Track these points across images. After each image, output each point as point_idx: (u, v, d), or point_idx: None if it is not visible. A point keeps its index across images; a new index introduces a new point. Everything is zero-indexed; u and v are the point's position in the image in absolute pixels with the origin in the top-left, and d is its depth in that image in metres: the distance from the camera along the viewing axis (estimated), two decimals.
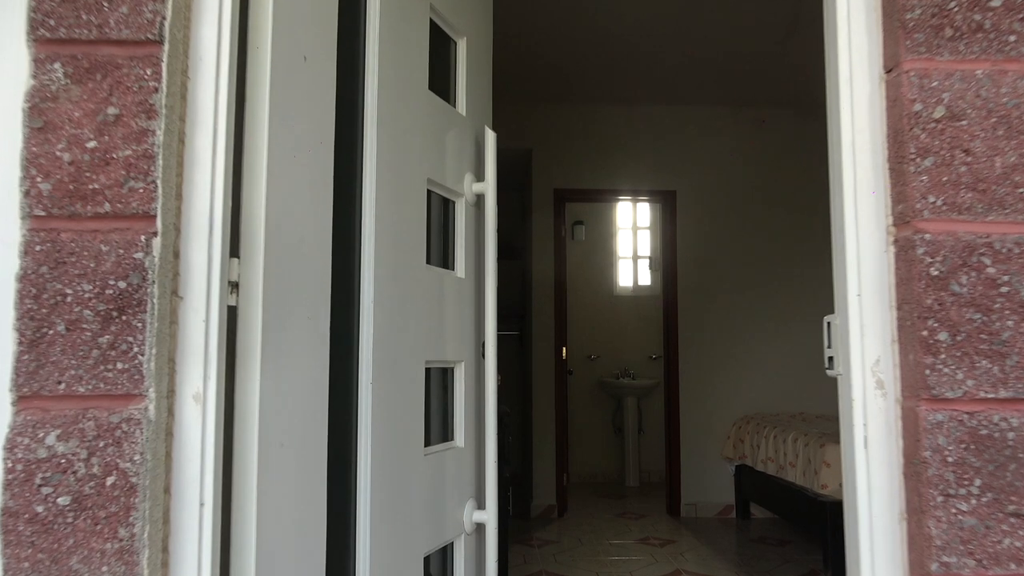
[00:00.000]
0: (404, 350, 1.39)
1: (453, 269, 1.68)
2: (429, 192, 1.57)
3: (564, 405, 5.11)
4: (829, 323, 1.09)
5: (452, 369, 1.66)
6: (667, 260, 5.17)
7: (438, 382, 1.66)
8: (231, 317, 1.02)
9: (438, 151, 1.57)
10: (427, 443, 1.53)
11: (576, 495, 5.69)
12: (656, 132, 5.20)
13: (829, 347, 1.09)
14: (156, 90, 0.94)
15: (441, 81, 1.67)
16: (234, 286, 1.03)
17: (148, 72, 0.94)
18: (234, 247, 1.03)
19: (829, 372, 1.09)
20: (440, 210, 1.68)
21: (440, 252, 1.68)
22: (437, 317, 1.54)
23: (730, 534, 4.57)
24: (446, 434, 1.65)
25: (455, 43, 1.72)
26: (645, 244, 6.77)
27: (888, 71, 1.01)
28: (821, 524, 3.72)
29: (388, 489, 1.32)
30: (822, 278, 5.13)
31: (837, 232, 1.05)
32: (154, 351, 0.91)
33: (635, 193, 5.24)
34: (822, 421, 4.59)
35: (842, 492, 3.15)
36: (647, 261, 6.74)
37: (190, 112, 0.99)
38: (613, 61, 4.55)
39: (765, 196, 5.18)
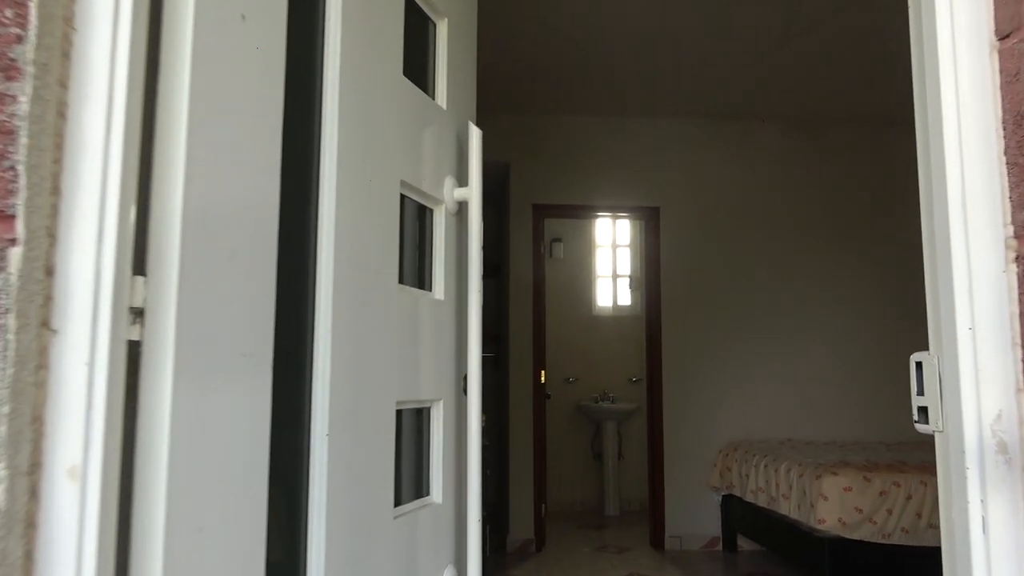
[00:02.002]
0: (370, 391, 1.12)
1: (431, 289, 1.42)
2: (403, 197, 1.31)
3: (543, 431, 4.85)
4: (920, 364, 0.85)
5: (428, 409, 1.39)
6: (650, 279, 4.95)
7: (411, 425, 1.39)
8: (132, 357, 0.75)
9: (414, 149, 1.31)
10: (398, 501, 1.26)
11: (554, 526, 5.40)
12: (639, 146, 5.01)
13: (920, 394, 0.85)
14: (20, 39, 0.67)
15: (418, 69, 1.42)
16: (138, 314, 0.76)
17: (8, 14, 0.67)
18: (139, 261, 0.76)
19: (922, 428, 0.85)
20: (415, 219, 1.42)
21: (415, 269, 1.42)
22: (411, 347, 1.28)
23: (718, 569, 4.33)
24: (420, 488, 1.37)
25: (434, 24, 1.47)
26: (624, 262, 6.57)
27: (1003, 37, 0.78)
28: (818, 560, 3.49)
29: (348, 570, 1.04)
30: (814, 298, 4.95)
31: (938, 247, 0.81)
32: (6, 408, 0.64)
33: (618, 209, 5.03)
34: (813, 449, 4.39)
35: (841, 527, 2.92)
36: (627, 280, 6.53)
37: (76, 76, 0.72)
38: (594, 72, 4.35)
39: (752, 213, 5.00)
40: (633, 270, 6.50)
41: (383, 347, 1.17)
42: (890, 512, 3.39)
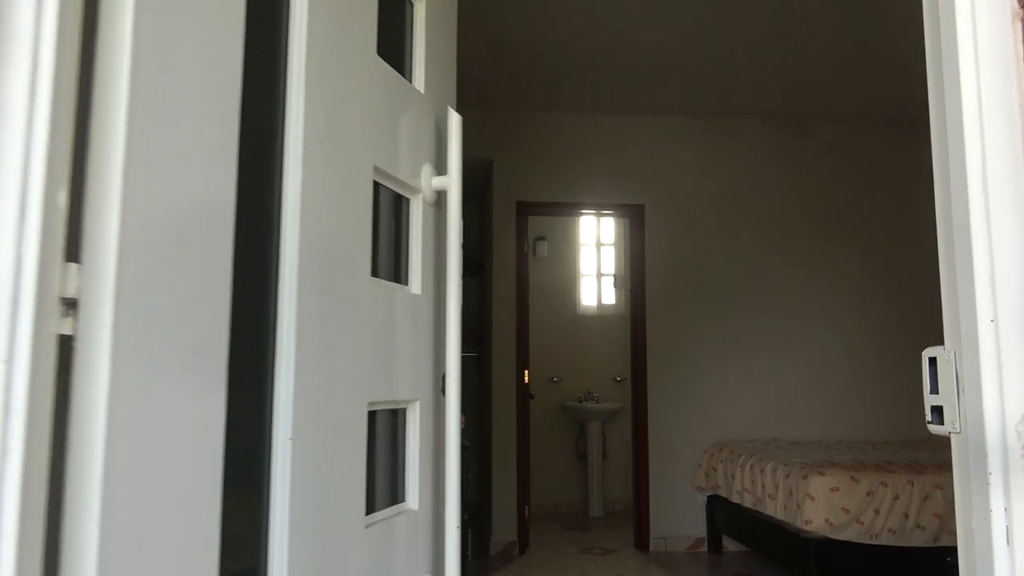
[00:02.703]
0: (339, 391, 1.04)
1: (407, 284, 1.34)
2: (377, 185, 1.23)
3: (526, 432, 4.77)
4: (933, 359, 0.78)
5: (404, 410, 1.31)
6: (635, 278, 4.89)
7: (386, 427, 1.31)
8: (64, 353, 0.67)
9: (389, 134, 1.24)
10: (370, 509, 1.18)
11: (538, 528, 5.33)
12: (624, 143, 4.95)
13: (934, 392, 0.78)
14: None
15: (394, 51, 1.34)
16: (70, 305, 0.67)
17: None
18: (72, 246, 0.68)
19: (936, 429, 0.78)
20: (391, 209, 1.34)
21: (391, 262, 1.34)
22: (385, 345, 1.20)
23: (704, 571, 4.28)
24: (396, 494, 1.30)
25: (412, 5, 1.39)
26: (609, 261, 6.51)
27: None
28: (804, 561, 3.45)
29: None
30: (800, 296, 4.92)
31: (956, 234, 0.74)
32: None
33: (602, 207, 4.97)
34: (799, 448, 4.35)
35: (828, 528, 2.88)
36: (611, 279, 6.48)
37: None
38: (579, 67, 4.28)
39: (737, 211, 4.96)
40: (617, 269, 6.45)
41: (354, 344, 1.09)
42: (877, 512, 3.36)
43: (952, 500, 2.72)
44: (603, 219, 6.49)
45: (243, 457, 0.89)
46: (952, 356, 0.75)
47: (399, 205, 1.35)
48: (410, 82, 1.36)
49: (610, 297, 6.45)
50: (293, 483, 0.93)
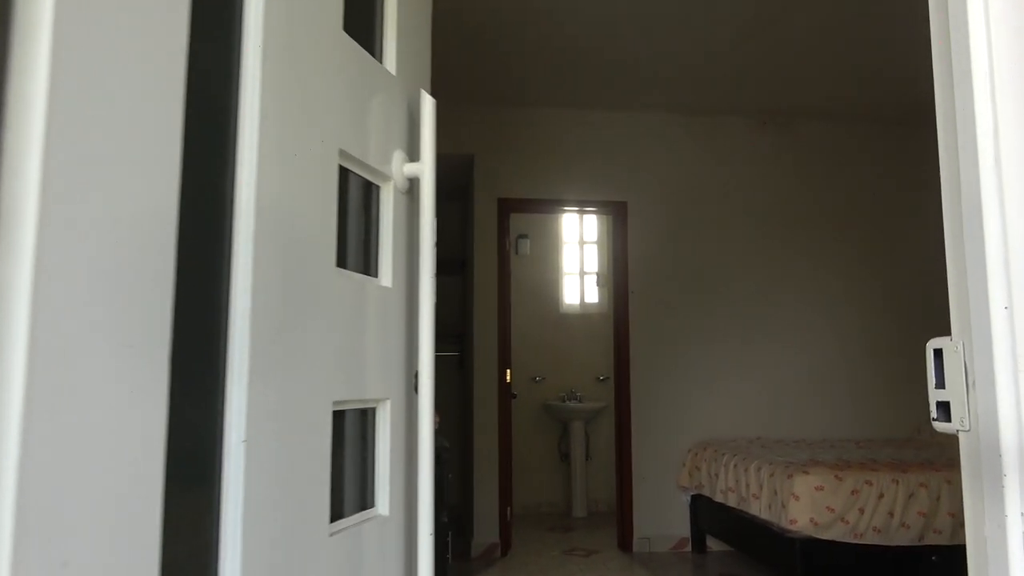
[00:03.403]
0: (300, 390, 0.97)
1: (377, 276, 1.27)
2: (344, 172, 1.16)
3: (508, 432, 4.71)
4: (939, 351, 0.72)
5: (374, 409, 1.24)
6: (618, 276, 4.84)
7: (355, 428, 1.24)
8: None
9: (357, 117, 1.16)
10: (336, 515, 1.10)
11: (520, 529, 5.27)
12: (606, 140, 4.90)
13: (940, 387, 0.72)
14: None
15: (363, 29, 1.27)
16: None
17: None
18: None
19: (941, 427, 0.72)
20: (361, 197, 1.27)
21: (360, 253, 1.26)
22: (353, 340, 1.13)
23: (687, 571, 4.23)
24: (365, 499, 1.22)
25: None
26: (592, 259, 6.46)
27: None
28: (789, 561, 3.41)
29: None
30: (783, 295, 4.89)
31: (966, 216, 0.68)
32: None
33: (585, 204, 4.91)
34: (783, 447, 4.32)
35: (813, 527, 2.84)
36: (594, 277, 6.43)
37: None
38: (561, 62, 4.22)
39: (720, 209, 4.93)
40: (601, 267, 6.40)
41: (317, 339, 1.02)
42: (862, 511, 3.32)
43: (937, 498, 2.69)
44: (586, 217, 6.44)
45: (190, 462, 0.81)
46: (960, 347, 0.69)
47: (369, 193, 1.28)
48: (381, 63, 1.29)
49: (593, 295, 6.40)
50: (247, 489, 0.86)
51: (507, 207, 4.82)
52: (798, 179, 5.01)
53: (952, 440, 3.04)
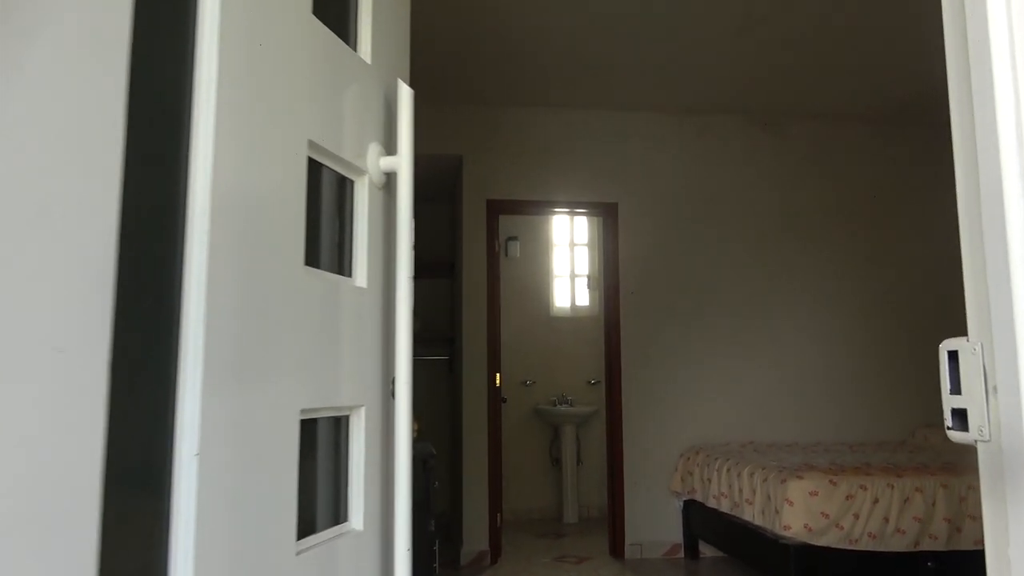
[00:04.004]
0: (262, 397, 0.90)
1: (351, 276, 1.20)
2: (315, 164, 1.09)
3: (498, 438, 4.63)
4: (954, 353, 0.66)
5: (348, 417, 1.17)
6: (609, 278, 4.79)
7: (327, 437, 1.17)
8: None
9: (328, 107, 1.09)
10: (306, 531, 1.03)
11: (510, 536, 5.19)
12: (596, 140, 4.84)
13: (955, 393, 0.66)
14: None
15: (335, 14, 1.20)
16: None
17: None
18: None
19: (958, 437, 0.66)
20: (335, 192, 1.20)
21: (334, 251, 1.20)
22: (324, 344, 1.06)
23: None
24: (337, 513, 1.15)
25: None
26: (582, 262, 6.41)
27: None
28: (783, 568, 3.35)
29: None
30: (776, 297, 4.85)
31: (985, 200, 0.62)
32: None
33: (575, 205, 4.85)
34: (776, 451, 4.27)
35: (807, 533, 2.79)
36: (585, 280, 6.37)
37: None
38: (550, 62, 4.16)
39: (712, 209, 4.88)
40: (591, 270, 6.35)
41: (282, 343, 0.95)
42: (857, 517, 3.27)
43: (932, 503, 2.63)
44: (577, 219, 6.38)
45: (136, 477, 0.74)
46: (979, 349, 0.63)
47: (343, 188, 1.21)
48: (355, 52, 1.22)
49: (584, 298, 6.34)
50: (201, 506, 0.78)
51: (496, 209, 4.76)
52: (790, 180, 4.97)
53: (948, 444, 3.01)
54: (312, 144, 1.05)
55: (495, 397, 4.63)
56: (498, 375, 4.67)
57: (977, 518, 3.31)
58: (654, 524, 4.60)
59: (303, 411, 1.00)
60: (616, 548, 4.59)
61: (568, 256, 6.39)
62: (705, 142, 4.93)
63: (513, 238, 6.14)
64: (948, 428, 0.67)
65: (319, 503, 1.14)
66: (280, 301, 0.95)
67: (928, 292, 5.01)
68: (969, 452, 3.31)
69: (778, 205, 4.93)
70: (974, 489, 3.35)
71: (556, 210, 5.01)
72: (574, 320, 6.23)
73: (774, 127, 4.99)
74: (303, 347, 1.00)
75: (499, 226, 4.85)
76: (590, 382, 6.12)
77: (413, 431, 1.25)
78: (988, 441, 0.62)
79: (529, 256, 6.21)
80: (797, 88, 4.53)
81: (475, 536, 4.46)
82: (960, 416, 0.65)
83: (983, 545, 2.41)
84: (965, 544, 3.28)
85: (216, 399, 0.82)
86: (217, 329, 0.82)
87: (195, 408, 0.79)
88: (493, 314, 4.67)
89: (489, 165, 4.74)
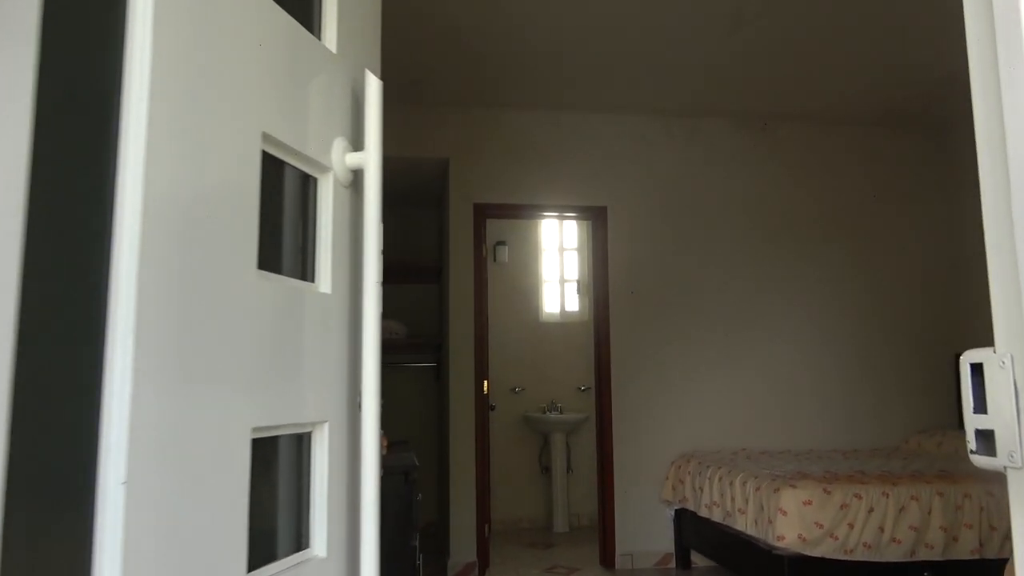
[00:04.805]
0: (205, 416, 0.81)
1: (315, 281, 1.11)
2: (273, 160, 1.00)
3: (486, 446, 4.54)
4: (978, 367, 0.58)
5: (310, 434, 1.08)
6: (598, 283, 4.71)
7: (288, 455, 1.08)
8: None
9: (285, 97, 1.01)
10: (262, 560, 0.94)
11: (499, 546, 5.09)
12: (585, 142, 4.77)
13: (980, 412, 0.58)
14: None
15: (298, 2, 1.11)
16: None
17: None
18: None
19: (983, 462, 0.58)
20: (297, 191, 1.11)
21: (296, 254, 1.11)
22: (281, 355, 0.97)
23: None
24: (299, 539, 1.06)
25: None
26: (572, 267, 6.33)
27: None
28: None
29: None
30: (767, 301, 4.78)
31: (1015, 195, 0.54)
32: None
33: (564, 209, 4.78)
34: (768, 459, 4.20)
35: (801, 543, 2.72)
36: (575, 285, 6.29)
37: None
38: (538, 63, 4.09)
39: (701, 213, 4.81)
40: (581, 275, 6.27)
41: (231, 355, 0.86)
42: (851, 526, 3.19)
43: (928, 512, 2.55)
44: (566, 223, 6.31)
45: (46, 514, 0.65)
46: (1008, 361, 0.55)
47: (307, 186, 1.12)
48: (319, 40, 1.14)
49: (574, 304, 6.26)
50: (129, 543, 0.69)
51: (483, 213, 4.68)
52: (782, 183, 4.91)
53: (942, 450, 2.92)
54: (267, 137, 0.96)
55: (483, 404, 4.54)
56: (486, 382, 4.58)
57: (973, 526, 3.24)
58: (645, 534, 4.51)
59: (255, 429, 0.91)
60: (606, 558, 4.50)
61: (557, 261, 6.32)
62: (695, 145, 4.87)
63: (501, 243, 6.06)
64: (972, 452, 0.59)
65: (279, 528, 1.05)
66: (229, 309, 0.86)
67: (921, 297, 4.96)
68: (964, 459, 3.25)
69: (770, 209, 4.87)
70: (970, 497, 3.28)
71: (544, 214, 4.93)
72: (564, 326, 6.15)
73: (763, 130, 4.93)
74: (256, 359, 0.91)
75: (487, 230, 4.77)
76: (580, 389, 6.04)
77: (382, 448, 1.16)
78: (1020, 468, 0.54)
79: (518, 261, 6.13)
80: (787, 91, 4.47)
81: (463, 547, 4.36)
82: (985, 438, 0.57)
83: (980, 555, 2.34)
84: (961, 553, 3.21)
85: (149, 419, 0.73)
86: (150, 342, 0.73)
87: (122, 430, 0.70)
88: (481, 320, 4.58)
89: (476, 168, 4.66)
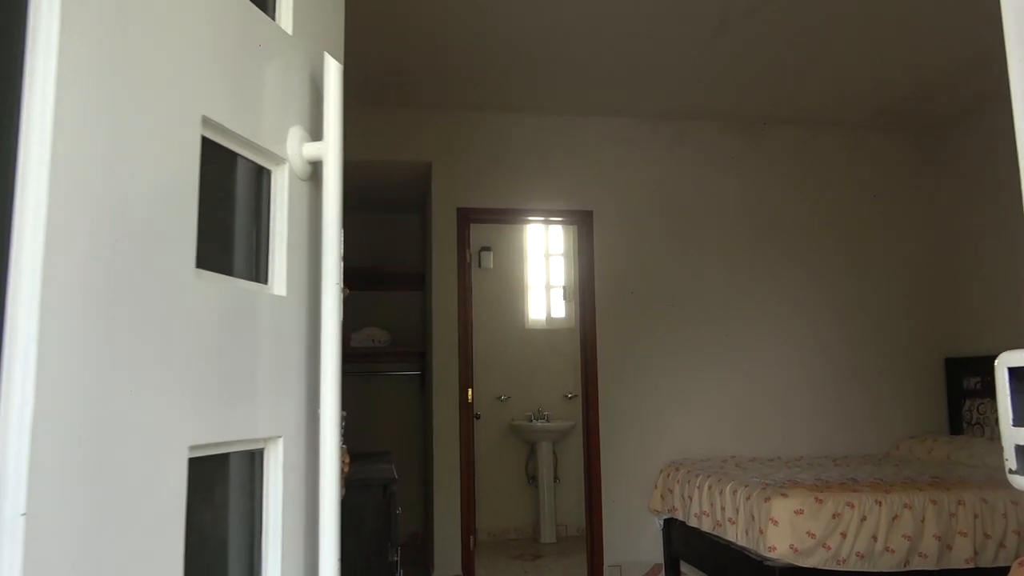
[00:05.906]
0: (129, 434, 0.71)
1: (267, 282, 1.01)
2: (217, 148, 0.91)
3: (471, 455, 4.43)
4: (1017, 371, 0.49)
5: (263, 450, 0.98)
6: (584, 289, 4.62)
7: (238, 475, 0.98)
8: None
9: (232, 81, 0.91)
10: None
11: (485, 558, 4.98)
12: (571, 146, 4.69)
13: (1020, 424, 0.49)
14: None
15: None
16: None
17: None
18: None
19: (1021, 482, 0.49)
20: (250, 184, 1.02)
21: (248, 253, 1.01)
22: (228, 363, 0.87)
23: None
24: (251, 569, 0.96)
25: None
26: (558, 272, 6.25)
27: None
28: None
29: None
30: (755, 307, 4.71)
31: None
32: None
33: (549, 213, 4.69)
34: (758, 466, 4.12)
35: (793, 554, 2.63)
36: (561, 291, 6.21)
37: None
38: (522, 65, 4.01)
39: (689, 218, 4.74)
40: (567, 281, 6.19)
41: (161, 364, 0.76)
42: (844, 536, 3.12)
43: (922, 520, 2.47)
44: (552, 228, 6.23)
45: None
46: None
47: (260, 179, 1.03)
48: (273, 19, 1.04)
49: (560, 310, 6.18)
50: None
51: (467, 217, 4.58)
52: (768, 187, 4.85)
53: (934, 456, 2.83)
54: (208, 121, 0.86)
55: (468, 413, 4.43)
56: (471, 390, 4.48)
57: (967, 534, 3.17)
58: (634, 544, 4.42)
59: (193, 447, 0.81)
60: (594, 569, 4.40)
61: (543, 266, 6.23)
62: (681, 148, 4.80)
63: (486, 248, 5.97)
64: (1010, 472, 0.50)
65: (228, 557, 0.95)
66: (161, 313, 0.76)
67: (910, 301, 4.91)
68: (956, 465, 3.17)
69: (757, 212, 4.81)
70: (964, 504, 3.21)
71: (530, 219, 4.85)
72: (550, 332, 6.06)
73: (755, 132, 4.87)
74: (195, 368, 0.81)
75: (471, 235, 4.67)
76: (567, 396, 5.95)
77: (343, 465, 1.06)
78: None
79: (502, 267, 6.04)
80: (774, 93, 4.42)
81: (447, 560, 4.25)
82: None
83: (975, 563, 2.25)
84: (956, 563, 3.14)
85: (56, 440, 0.63)
86: (57, 353, 0.63)
87: (22, 454, 0.60)
88: (465, 327, 4.49)
89: (460, 172, 4.57)
